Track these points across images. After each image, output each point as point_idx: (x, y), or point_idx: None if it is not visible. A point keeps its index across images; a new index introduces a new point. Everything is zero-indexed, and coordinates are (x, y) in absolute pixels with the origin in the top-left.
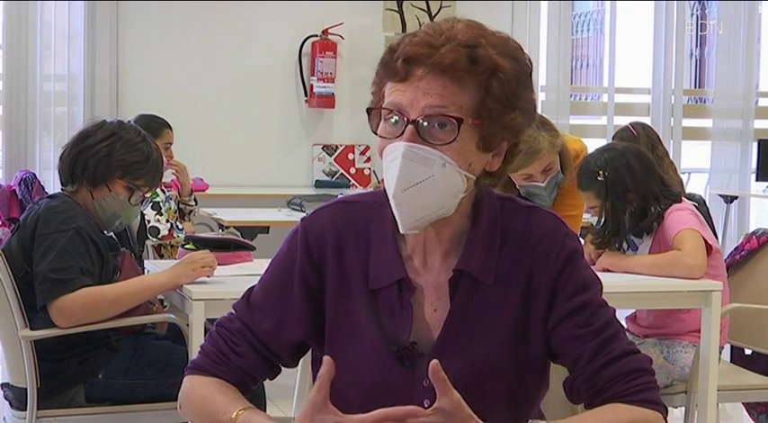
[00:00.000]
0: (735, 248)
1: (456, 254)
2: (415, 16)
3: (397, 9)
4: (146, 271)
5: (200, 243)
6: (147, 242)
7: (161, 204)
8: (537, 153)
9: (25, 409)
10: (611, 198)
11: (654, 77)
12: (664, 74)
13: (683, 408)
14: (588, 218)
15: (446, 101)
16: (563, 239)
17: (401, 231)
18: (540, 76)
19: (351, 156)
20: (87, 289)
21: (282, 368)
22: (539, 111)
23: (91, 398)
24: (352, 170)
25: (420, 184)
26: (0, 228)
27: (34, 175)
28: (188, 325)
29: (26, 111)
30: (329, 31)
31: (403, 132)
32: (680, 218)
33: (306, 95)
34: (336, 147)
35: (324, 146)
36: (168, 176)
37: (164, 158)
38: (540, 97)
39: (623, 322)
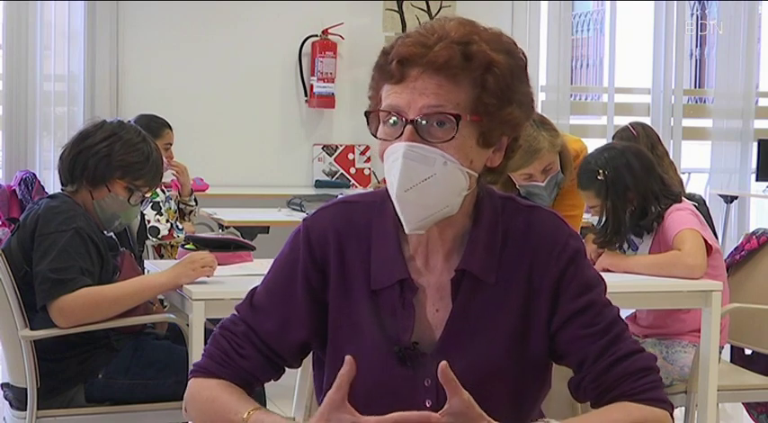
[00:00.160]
0: (735, 248)
1: (458, 254)
2: (415, 16)
3: (397, 9)
4: (146, 271)
5: (200, 243)
6: (147, 242)
7: (161, 204)
8: (537, 153)
9: (25, 409)
10: (611, 197)
11: (654, 77)
12: (664, 74)
13: (683, 408)
14: (588, 218)
15: (442, 99)
16: (566, 239)
17: (406, 232)
18: (540, 76)
19: (351, 156)
20: (87, 289)
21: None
22: (539, 111)
23: (91, 398)
24: (352, 170)
25: (422, 184)
26: (0, 228)
27: (34, 175)
28: (188, 325)
29: (26, 111)
30: (329, 31)
31: (402, 133)
32: (680, 218)
33: (306, 95)
34: (336, 147)
35: (324, 146)
36: (168, 176)
37: (164, 159)
38: (540, 97)
39: None
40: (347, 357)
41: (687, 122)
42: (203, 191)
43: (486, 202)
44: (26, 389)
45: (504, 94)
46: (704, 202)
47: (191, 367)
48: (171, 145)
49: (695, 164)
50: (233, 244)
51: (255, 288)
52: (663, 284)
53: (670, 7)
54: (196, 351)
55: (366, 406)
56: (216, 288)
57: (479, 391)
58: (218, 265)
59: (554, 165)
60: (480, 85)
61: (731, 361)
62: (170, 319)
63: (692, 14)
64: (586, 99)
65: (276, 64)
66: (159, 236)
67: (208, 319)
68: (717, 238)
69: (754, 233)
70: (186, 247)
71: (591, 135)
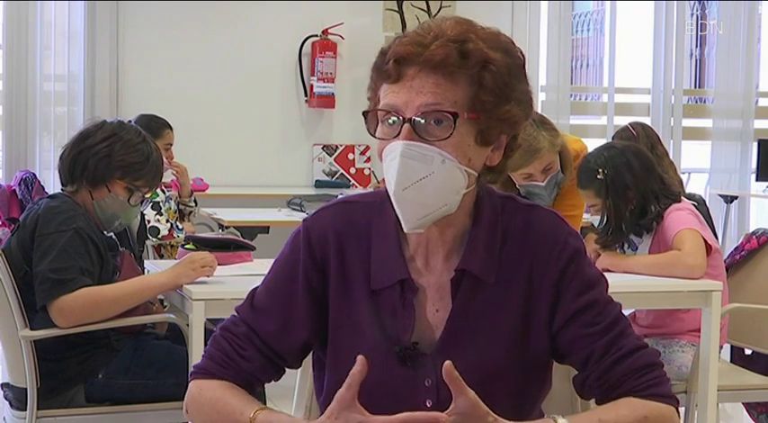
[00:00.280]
0: (735, 248)
1: (458, 254)
2: (415, 16)
3: (397, 9)
4: (146, 271)
5: (200, 243)
6: (147, 242)
7: (161, 204)
8: (537, 152)
9: (25, 409)
10: (611, 196)
11: (654, 77)
12: (664, 74)
13: (683, 408)
14: (588, 218)
15: (440, 98)
16: (565, 238)
17: (405, 230)
18: (540, 76)
19: (351, 156)
20: (87, 289)
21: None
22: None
23: (91, 398)
24: (352, 170)
25: (420, 182)
26: (0, 228)
27: (34, 175)
28: (188, 325)
29: (26, 111)
30: (329, 31)
31: (400, 132)
32: (679, 218)
33: (306, 95)
34: (336, 147)
35: (324, 146)
36: (168, 176)
37: (164, 159)
38: (540, 97)
39: None
40: (359, 357)
41: (687, 122)
42: (203, 191)
43: (486, 201)
44: (26, 389)
45: (501, 92)
46: (704, 202)
47: (191, 368)
48: (171, 145)
49: (695, 164)
50: (233, 244)
51: (256, 289)
52: (663, 284)
53: (670, 7)
54: (196, 351)
55: (366, 406)
56: (216, 288)
57: (480, 391)
58: (218, 265)
59: (554, 164)
60: (477, 82)
61: (731, 361)
62: (170, 319)
63: (692, 14)
64: (586, 99)
65: (276, 64)
66: (159, 236)
67: (208, 319)
68: (717, 238)
69: (754, 233)
70: (186, 247)
71: (591, 135)
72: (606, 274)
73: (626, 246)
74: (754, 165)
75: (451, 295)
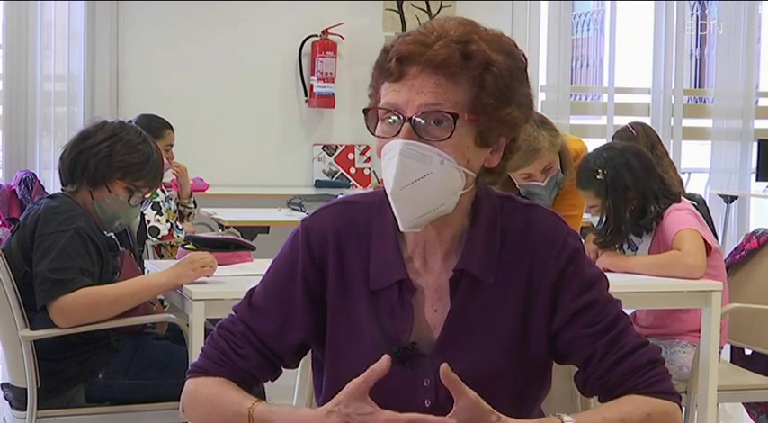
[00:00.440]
0: (735, 248)
1: (456, 254)
2: (415, 16)
3: (397, 9)
4: (146, 271)
5: (200, 243)
6: (147, 242)
7: (161, 204)
8: (537, 152)
9: (25, 409)
10: (611, 196)
11: (654, 77)
12: (664, 74)
13: (684, 408)
14: (588, 218)
15: (440, 98)
16: (564, 238)
17: (401, 229)
18: (540, 76)
19: (351, 156)
20: (87, 289)
21: (283, 369)
22: (539, 111)
23: (91, 398)
24: (352, 170)
25: (418, 182)
26: (0, 228)
27: (34, 175)
28: (188, 325)
29: (26, 111)
30: (329, 31)
31: (400, 131)
32: (679, 218)
33: (306, 95)
34: (336, 147)
35: (324, 146)
36: (169, 176)
37: (164, 159)
38: (540, 97)
39: None
40: (385, 356)
41: (687, 122)
42: (203, 191)
43: (485, 201)
44: (26, 389)
45: (502, 95)
46: (704, 202)
47: (190, 367)
48: (172, 146)
49: (695, 164)
50: (233, 244)
51: (254, 288)
52: (663, 284)
53: (670, 7)
54: (196, 351)
55: None
56: (216, 288)
57: (479, 392)
58: (219, 265)
59: (554, 164)
60: (479, 84)
61: (731, 361)
62: (170, 319)
63: (692, 14)
64: (586, 99)
65: (276, 64)
66: (159, 236)
67: (208, 319)
68: (717, 238)
69: (754, 233)
70: (186, 247)
71: (591, 135)
72: (607, 273)
73: (626, 246)
74: (754, 165)
75: (450, 295)
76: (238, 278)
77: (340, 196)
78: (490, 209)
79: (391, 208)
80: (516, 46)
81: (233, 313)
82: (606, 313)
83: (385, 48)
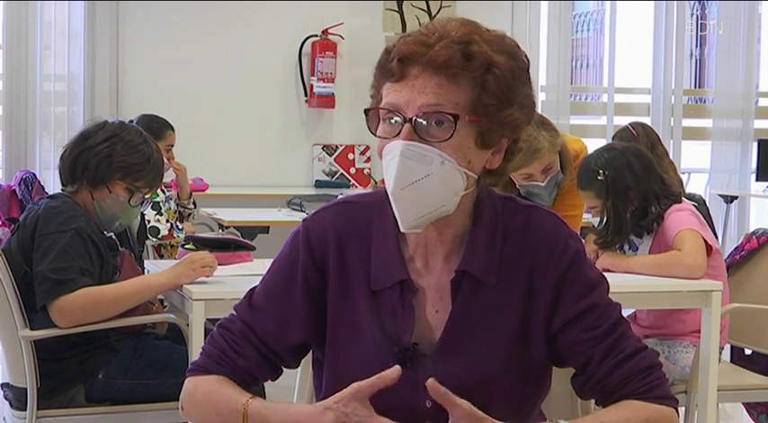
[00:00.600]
0: (735, 248)
1: (458, 255)
2: (415, 16)
3: (397, 9)
4: (146, 271)
5: (200, 243)
6: (147, 242)
7: (161, 204)
8: (537, 152)
9: (25, 409)
10: (612, 197)
11: (654, 77)
12: (664, 74)
13: (683, 408)
14: (588, 218)
15: (442, 99)
16: (565, 240)
17: (402, 230)
18: (540, 76)
19: (351, 156)
20: (87, 289)
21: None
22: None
23: (91, 398)
24: (352, 170)
25: (419, 182)
26: (0, 228)
27: (34, 175)
28: (188, 325)
29: (26, 111)
30: (329, 31)
31: (400, 131)
32: (680, 218)
33: (306, 95)
34: (336, 147)
35: (324, 146)
36: (169, 176)
37: (165, 159)
38: (540, 97)
39: None
40: (395, 366)
41: (687, 122)
42: (203, 191)
43: (487, 202)
44: (26, 389)
45: (504, 96)
46: (704, 202)
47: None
48: (173, 146)
49: (695, 164)
50: (233, 244)
51: (254, 288)
52: (663, 284)
53: (670, 7)
54: (196, 351)
55: None
56: (216, 288)
57: (478, 392)
58: (219, 265)
59: (554, 165)
60: (480, 85)
61: (731, 361)
62: (170, 319)
63: (692, 14)
64: (586, 99)
65: (276, 64)
66: (159, 236)
67: (208, 319)
68: (717, 238)
69: (754, 233)
70: (186, 247)
71: (591, 135)
72: (606, 274)
73: (626, 246)
74: (754, 165)
75: (451, 296)
76: (238, 278)
77: (340, 196)
78: (491, 210)
79: (392, 208)
80: (518, 47)
81: (233, 313)
82: (606, 317)
83: (387, 48)
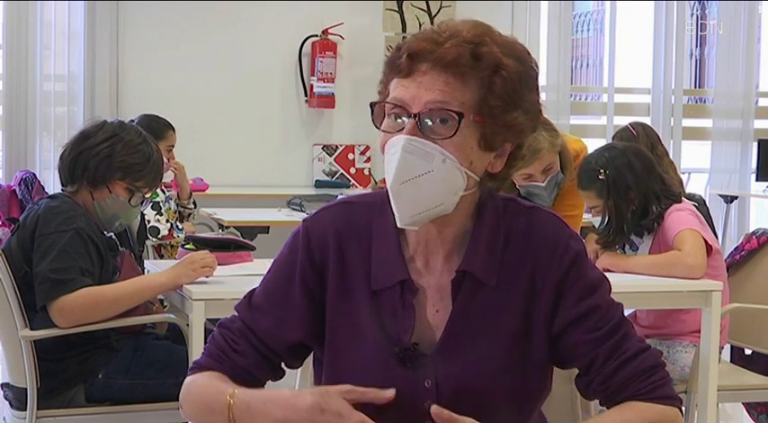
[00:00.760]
0: (735, 248)
1: (458, 255)
2: (415, 16)
3: (397, 9)
4: (146, 271)
5: (200, 243)
6: (147, 242)
7: (161, 204)
8: (537, 153)
9: (25, 409)
10: (613, 196)
11: (654, 77)
12: (664, 74)
13: (684, 408)
14: (588, 218)
15: (448, 97)
16: (567, 241)
17: (399, 225)
18: (540, 76)
19: (351, 156)
20: (87, 289)
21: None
22: None
23: (91, 398)
24: (352, 170)
25: (418, 178)
26: (0, 228)
27: (34, 175)
28: (188, 325)
29: (26, 111)
30: (329, 31)
31: (404, 127)
32: (680, 218)
33: (306, 95)
34: (336, 147)
35: (324, 146)
36: (169, 176)
37: (164, 159)
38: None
39: None
40: (392, 390)
41: (687, 122)
42: (203, 191)
43: (489, 203)
44: (26, 389)
45: (510, 98)
46: (704, 202)
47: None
48: (173, 146)
49: (695, 164)
50: (233, 244)
51: (255, 288)
52: (663, 284)
53: (670, 7)
54: (196, 351)
55: (366, 406)
56: (216, 288)
57: (479, 393)
58: (219, 265)
59: (554, 165)
60: (487, 86)
61: (731, 361)
62: (170, 319)
63: (692, 14)
64: (586, 99)
65: (276, 64)
66: (159, 236)
67: (208, 319)
68: (717, 238)
69: (754, 233)
70: (186, 247)
71: (591, 135)
72: (606, 274)
73: (626, 246)
74: (754, 165)
75: (452, 296)
76: (238, 278)
77: (340, 196)
78: (494, 211)
79: (390, 204)
80: (529, 53)
81: (235, 313)
82: (609, 318)
83: (398, 45)
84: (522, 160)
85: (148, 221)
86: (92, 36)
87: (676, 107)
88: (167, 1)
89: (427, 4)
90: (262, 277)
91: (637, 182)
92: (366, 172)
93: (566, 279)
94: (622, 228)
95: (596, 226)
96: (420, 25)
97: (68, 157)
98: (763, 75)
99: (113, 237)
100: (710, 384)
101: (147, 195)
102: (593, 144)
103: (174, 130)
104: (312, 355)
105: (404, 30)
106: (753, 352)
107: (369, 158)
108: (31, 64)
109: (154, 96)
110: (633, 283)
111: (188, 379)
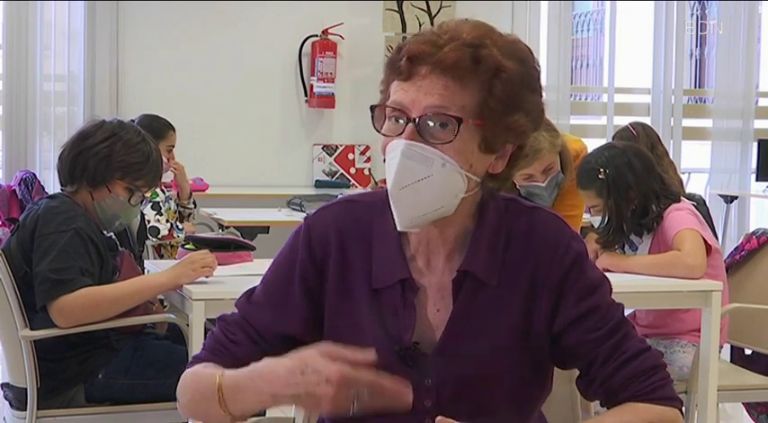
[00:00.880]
0: (735, 248)
1: (460, 254)
2: (415, 16)
3: (397, 9)
4: (146, 271)
5: (200, 243)
6: (147, 242)
7: (161, 204)
8: (537, 153)
9: (25, 409)
10: (613, 196)
11: (654, 77)
12: (664, 74)
13: (684, 408)
14: (588, 218)
15: (447, 101)
16: (568, 242)
17: (398, 229)
18: (541, 76)
19: (351, 156)
20: (87, 289)
21: None
22: None
23: (91, 398)
24: (352, 170)
25: (418, 183)
26: (0, 228)
27: (34, 175)
28: (188, 325)
29: (26, 111)
30: (329, 31)
31: (404, 130)
32: (679, 218)
33: (306, 95)
34: (336, 147)
35: (324, 146)
36: (169, 176)
37: (164, 159)
38: None
39: None
40: (369, 356)
41: (687, 122)
42: (203, 191)
43: (491, 203)
44: (26, 389)
45: (510, 101)
46: (704, 202)
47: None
48: (174, 146)
49: (695, 164)
50: (233, 244)
51: (255, 287)
52: (663, 284)
53: (670, 7)
54: (196, 351)
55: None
56: (216, 288)
57: (479, 392)
58: (219, 265)
59: (554, 165)
60: (487, 89)
61: (731, 361)
62: (170, 319)
63: (692, 14)
64: (586, 99)
65: (276, 64)
66: (159, 236)
67: (208, 319)
68: (717, 238)
69: (754, 233)
70: (186, 247)
71: (591, 135)
72: (606, 273)
73: (626, 246)
74: (754, 165)
75: (453, 296)
76: (238, 278)
77: (341, 195)
78: (495, 211)
79: (390, 207)
80: (531, 53)
81: (235, 310)
82: (609, 318)
83: (398, 46)
84: (523, 160)
85: (148, 221)
86: (92, 36)
87: (676, 107)
88: (167, 1)
89: (427, 4)
90: (261, 277)
91: (637, 181)
92: (366, 172)
93: (566, 279)
94: (622, 227)
95: (595, 226)
96: (420, 25)
97: (67, 158)
98: (763, 75)
99: (113, 237)
100: (710, 384)
101: (147, 194)
102: (593, 144)
103: (174, 130)
104: None
105: (404, 30)
106: (753, 352)
107: (369, 158)
108: (31, 64)
109: (154, 96)
110: (633, 283)
111: (185, 373)
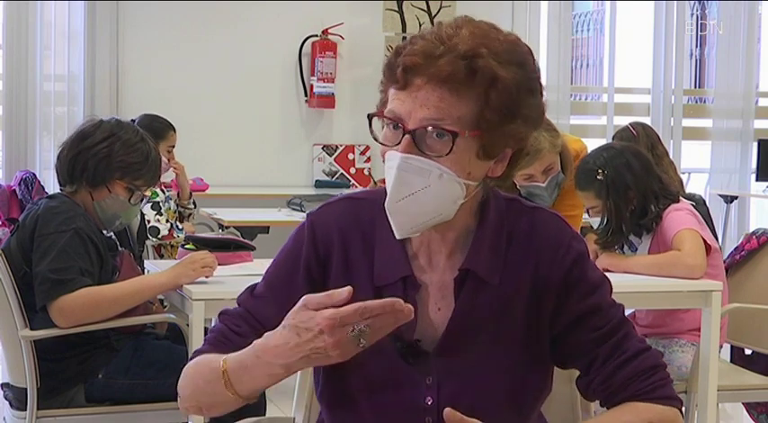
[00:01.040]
0: (735, 248)
1: (461, 253)
2: (415, 16)
3: (397, 9)
4: (146, 271)
5: (200, 243)
6: (147, 242)
7: (161, 204)
8: (538, 153)
9: (25, 409)
10: (612, 196)
11: (654, 77)
12: (664, 74)
13: (684, 408)
14: (587, 219)
15: (443, 113)
16: (569, 242)
17: (397, 237)
18: (541, 77)
19: (351, 156)
20: (87, 289)
21: None
22: None
23: (91, 398)
24: (352, 170)
25: (415, 194)
26: (0, 228)
27: (34, 175)
28: (188, 325)
29: (26, 111)
30: (329, 31)
31: (400, 142)
32: (678, 218)
33: (306, 95)
34: (336, 147)
35: (324, 146)
36: (169, 176)
37: (164, 159)
38: None
39: None
40: (346, 293)
41: (687, 122)
42: (203, 191)
43: (492, 202)
44: (26, 389)
45: (507, 110)
46: (704, 202)
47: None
48: (174, 147)
49: (695, 164)
50: (233, 244)
51: (257, 282)
52: (663, 284)
53: (670, 7)
54: None
55: (367, 400)
56: (216, 288)
57: (479, 391)
58: (219, 265)
59: (555, 165)
60: (483, 100)
61: (731, 361)
62: (170, 319)
63: (692, 14)
64: (586, 99)
65: (276, 64)
66: (159, 236)
67: (208, 320)
68: (717, 238)
69: (754, 233)
70: (186, 247)
71: (591, 135)
72: (606, 274)
73: (625, 246)
74: (754, 165)
75: (454, 294)
76: (238, 278)
77: (343, 193)
78: (497, 211)
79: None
80: (531, 54)
81: (237, 305)
82: (609, 318)
83: (397, 49)
84: (524, 160)
85: (148, 221)
86: (92, 36)
87: (676, 107)
88: (167, 1)
89: (427, 4)
90: (263, 275)
91: (635, 181)
92: (366, 172)
93: (567, 279)
94: (621, 228)
95: (594, 227)
96: (420, 25)
97: (67, 158)
98: (763, 75)
99: (113, 237)
100: (710, 384)
101: (147, 194)
102: (593, 144)
103: (174, 130)
104: None
105: (404, 30)
106: (753, 352)
107: (369, 158)
108: (31, 64)
109: (154, 96)
110: (633, 283)
111: (186, 365)
